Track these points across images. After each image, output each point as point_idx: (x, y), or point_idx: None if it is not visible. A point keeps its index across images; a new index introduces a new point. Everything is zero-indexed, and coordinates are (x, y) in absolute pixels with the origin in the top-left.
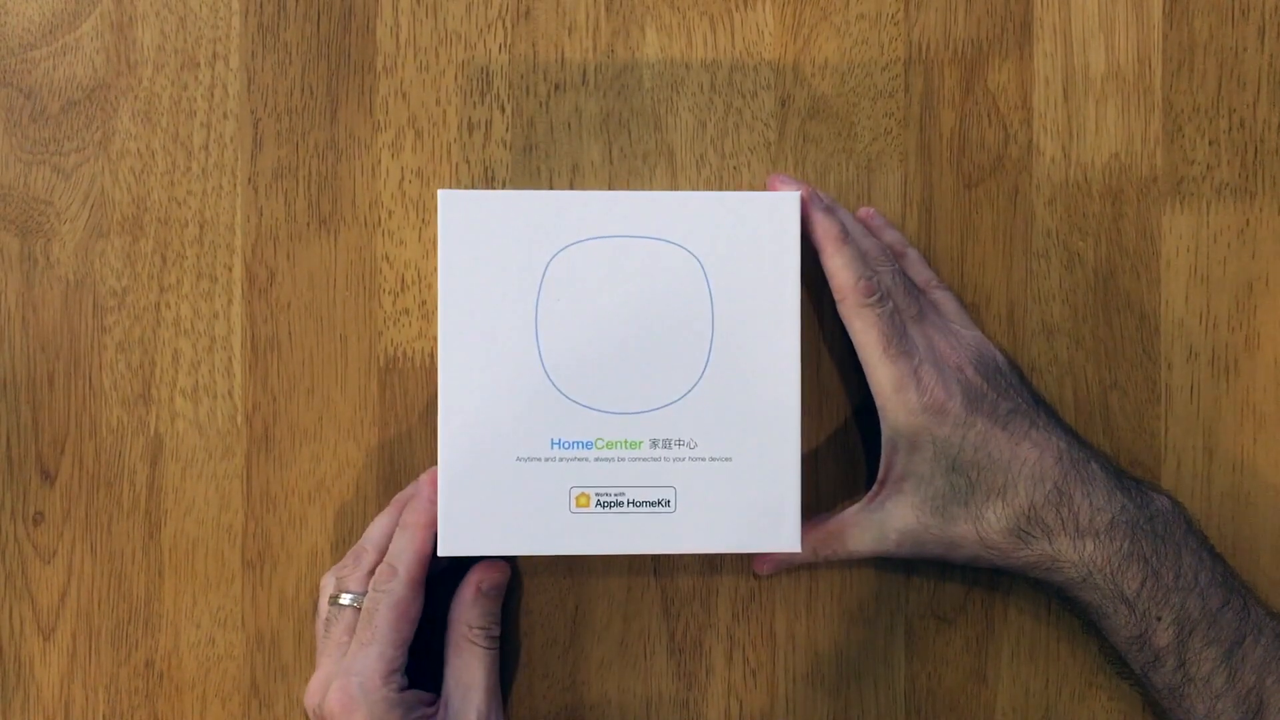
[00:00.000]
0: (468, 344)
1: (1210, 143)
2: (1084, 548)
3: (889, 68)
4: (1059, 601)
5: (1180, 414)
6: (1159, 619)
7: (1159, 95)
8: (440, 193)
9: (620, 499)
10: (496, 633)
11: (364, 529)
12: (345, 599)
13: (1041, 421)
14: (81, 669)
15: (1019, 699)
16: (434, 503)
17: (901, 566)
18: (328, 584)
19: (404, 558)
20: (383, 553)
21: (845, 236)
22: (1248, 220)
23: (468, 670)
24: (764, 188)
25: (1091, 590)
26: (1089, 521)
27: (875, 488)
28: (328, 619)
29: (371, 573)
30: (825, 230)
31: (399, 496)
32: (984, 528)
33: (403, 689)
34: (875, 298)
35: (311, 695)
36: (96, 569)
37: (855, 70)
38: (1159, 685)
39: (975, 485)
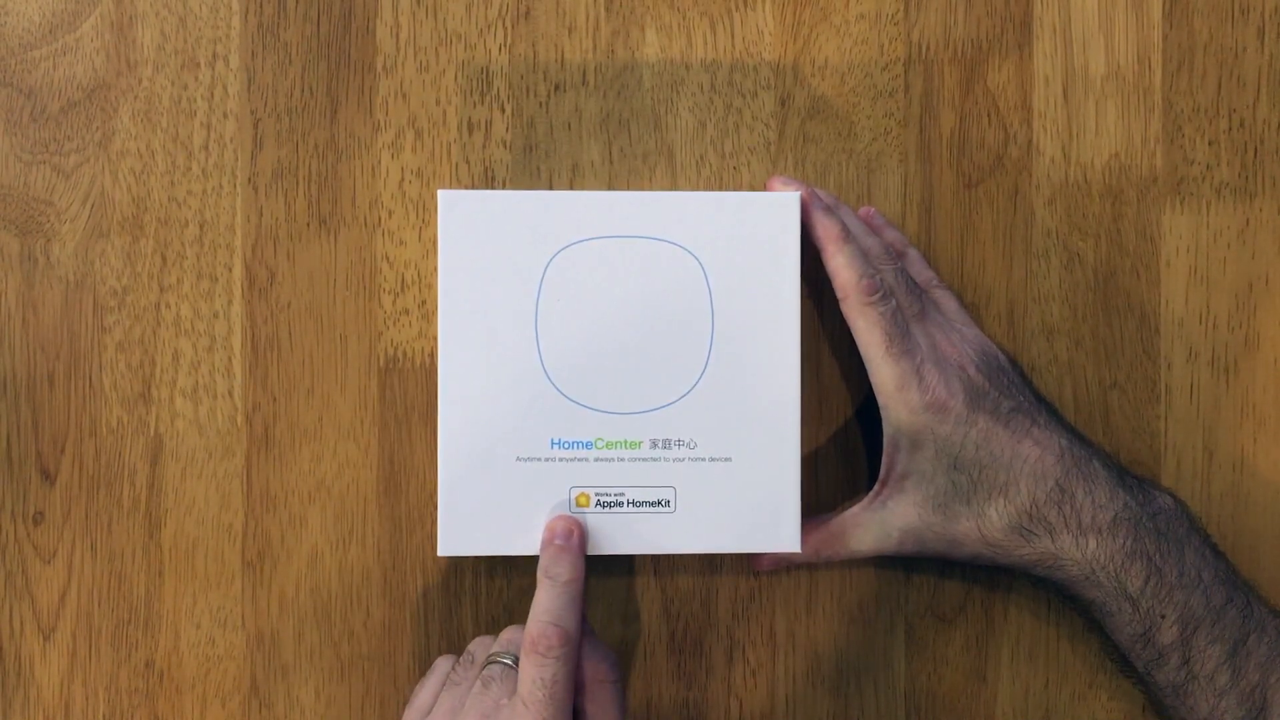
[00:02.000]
0: (468, 344)
1: (1210, 143)
2: (1087, 545)
3: (889, 68)
4: (1061, 600)
5: (1180, 414)
6: (1163, 617)
7: (1159, 95)
8: (440, 193)
9: (620, 499)
10: (615, 656)
11: (364, 529)
12: (509, 660)
13: (1043, 420)
14: (81, 669)
15: (1019, 699)
16: (581, 553)
17: (901, 566)
18: (478, 646)
19: (568, 618)
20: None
21: (847, 235)
22: (1248, 220)
23: (606, 714)
24: (764, 188)
25: (1095, 588)
26: (1091, 519)
27: (877, 487)
28: (485, 676)
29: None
30: (826, 229)
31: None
32: (986, 525)
33: None
34: (878, 296)
35: None
36: (96, 569)
37: (855, 70)
38: (1162, 683)
39: (977, 483)
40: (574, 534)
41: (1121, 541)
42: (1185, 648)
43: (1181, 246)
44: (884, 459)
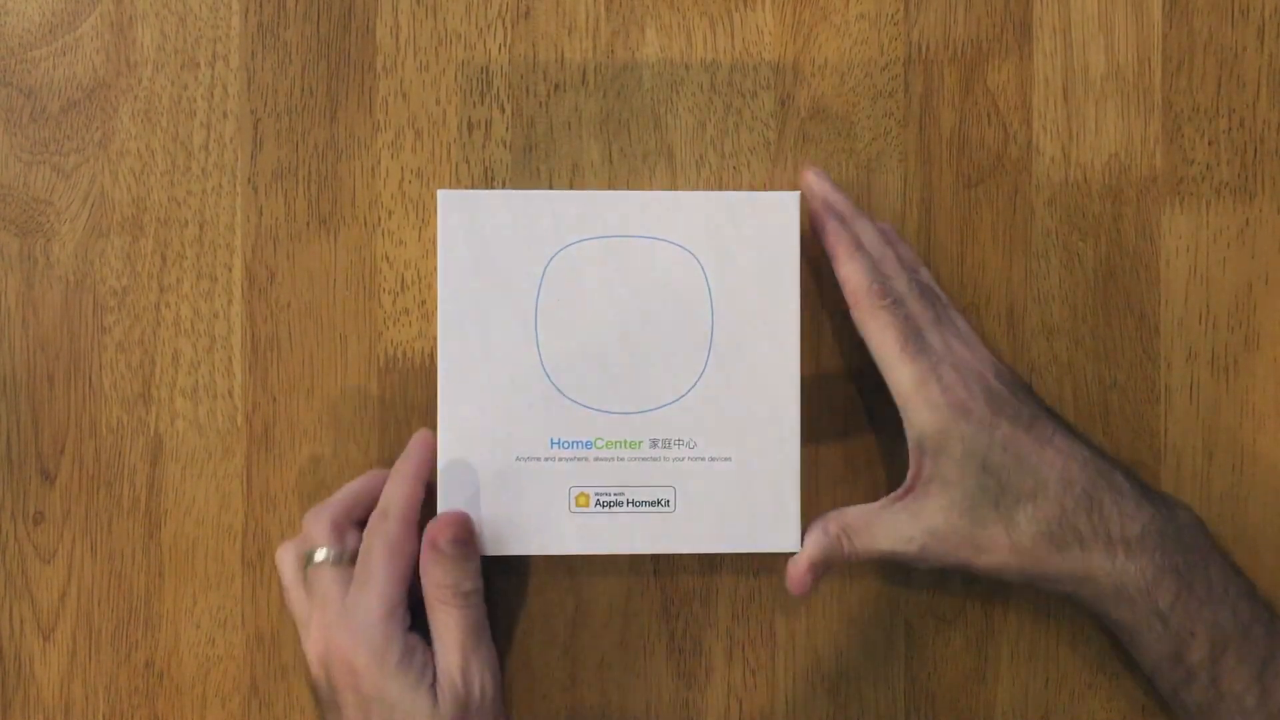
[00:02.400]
0: (468, 344)
1: (1210, 143)
2: (1117, 557)
3: (889, 68)
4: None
5: (1180, 414)
6: (1192, 634)
7: (1159, 95)
8: (440, 193)
9: (620, 499)
10: (469, 587)
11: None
12: (320, 555)
13: (1063, 429)
14: (81, 669)
15: (1019, 699)
16: (427, 457)
17: (902, 567)
18: (287, 558)
19: (396, 503)
20: (346, 506)
21: (858, 244)
22: (1247, 220)
23: (446, 630)
24: (764, 187)
25: (1125, 604)
26: (1120, 530)
27: (902, 490)
28: (309, 583)
29: (338, 528)
30: (839, 238)
31: (372, 472)
32: (1015, 531)
33: (408, 628)
34: (889, 300)
35: (313, 650)
36: (96, 569)
37: (855, 70)
38: (1189, 704)
39: (1005, 487)
40: (419, 447)
41: (1151, 554)
42: (1214, 666)
43: (1181, 246)
44: (910, 464)
